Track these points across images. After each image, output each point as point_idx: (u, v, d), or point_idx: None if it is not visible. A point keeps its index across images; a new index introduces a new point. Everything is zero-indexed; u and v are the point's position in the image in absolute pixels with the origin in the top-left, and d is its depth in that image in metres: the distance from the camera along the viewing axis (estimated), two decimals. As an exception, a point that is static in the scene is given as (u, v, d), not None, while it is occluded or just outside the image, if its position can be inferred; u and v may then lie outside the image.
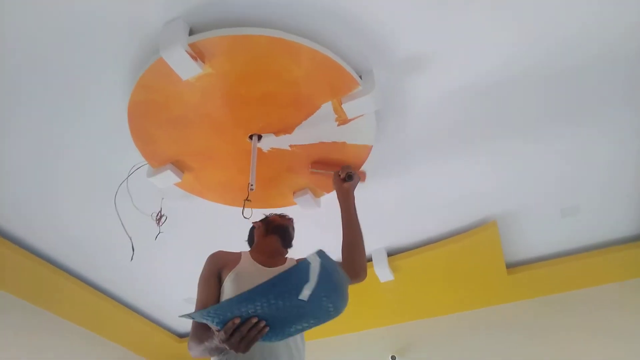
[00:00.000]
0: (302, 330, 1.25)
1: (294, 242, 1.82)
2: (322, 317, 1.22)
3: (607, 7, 1.61)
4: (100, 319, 3.29)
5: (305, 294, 1.12)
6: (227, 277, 1.51)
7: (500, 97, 1.96)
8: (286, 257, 1.74)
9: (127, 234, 2.10)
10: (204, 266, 1.59)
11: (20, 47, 1.65)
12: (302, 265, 1.11)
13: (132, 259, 2.11)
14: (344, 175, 1.85)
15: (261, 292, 1.11)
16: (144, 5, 1.55)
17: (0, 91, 1.81)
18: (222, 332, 1.14)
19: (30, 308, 2.95)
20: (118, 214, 2.10)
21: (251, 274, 1.52)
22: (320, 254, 1.12)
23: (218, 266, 1.56)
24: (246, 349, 1.16)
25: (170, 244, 2.48)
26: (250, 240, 1.90)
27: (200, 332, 1.37)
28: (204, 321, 1.18)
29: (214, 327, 1.18)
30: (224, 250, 1.66)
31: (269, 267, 1.61)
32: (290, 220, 1.88)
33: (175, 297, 3.27)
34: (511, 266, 3.03)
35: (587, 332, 2.83)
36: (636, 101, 1.99)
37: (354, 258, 1.64)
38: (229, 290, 1.48)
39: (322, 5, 1.57)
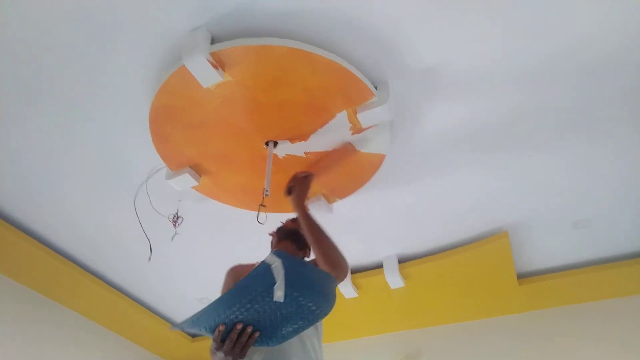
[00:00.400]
0: (296, 332, 1.24)
1: None
2: (308, 317, 1.20)
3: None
4: (113, 315, 3.35)
5: (278, 295, 1.11)
6: None
7: (513, 108, 1.98)
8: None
9: (146, 236, 2.16)
10: (223, 280, 1.65)
11: (50, 45, 1.72)
12: (261, 267, 1.12)
13: (149, 259, 2.16)
14: (285, 189, 1.92)
15: (231, 297, 1.12)
16: (170, 14, 1.62)
17: (26, 85, 1.88)
18: (212, 341, 1.17)
19: (42, 299, 3.01)
20: (137, 215, 2.16)
21: None
22: (278, 253, 1.13)
23: (234, 279, 1.61)
24: (242, 354, 1.18)
25: (184, 243, 2.53)
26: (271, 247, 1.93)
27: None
28: (195, 330, 1.20)
29: (208, 335, 1.20)
30: (242, 263, 1.70)
31: None
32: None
33: (190, 297, 3.33)
34: (522, 277, 3.03)
35: (598, 344, 2.81)
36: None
37: (320, 255, 1.60)
38: None
39: (340, 17, 1.61)
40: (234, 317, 1.15)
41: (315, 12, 1.60)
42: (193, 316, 1.16)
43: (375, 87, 1.83)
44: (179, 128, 1.93)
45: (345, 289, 2.98)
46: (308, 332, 1.49)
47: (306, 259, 1.81)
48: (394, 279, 2.91)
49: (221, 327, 1.15)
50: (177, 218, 2.32)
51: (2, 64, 1.78)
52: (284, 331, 1.22)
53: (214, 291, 3.30)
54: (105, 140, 2.14)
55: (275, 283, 1.11)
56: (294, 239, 1.80)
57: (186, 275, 3.12)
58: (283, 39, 1.61)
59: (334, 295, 1.25)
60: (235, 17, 1.61)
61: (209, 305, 1.13)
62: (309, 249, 1.81)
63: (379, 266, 2.98)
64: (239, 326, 1.15)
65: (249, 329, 1.16)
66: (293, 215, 2.05)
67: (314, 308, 1.17)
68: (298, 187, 1.88)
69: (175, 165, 2.13)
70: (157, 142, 2.01)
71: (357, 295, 3.08)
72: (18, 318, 2.84)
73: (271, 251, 1.14)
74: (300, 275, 1.16)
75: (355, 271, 3.05)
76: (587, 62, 1.80)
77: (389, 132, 1.97)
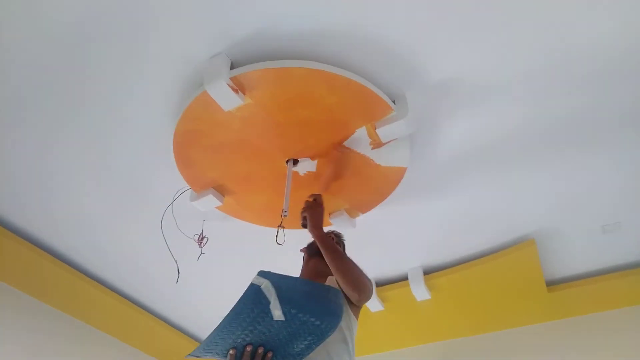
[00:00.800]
0: (309, 348, 1.22)
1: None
2: (315, 332, 1.19)
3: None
4: (132, 329, 3.38)
5: (277, 314, 1.12)
6: None
7: (537, 117, 1.97)
8: (328, 277, 1.78)
9: (173, 258, 2.19)
10: None
11: (75, 77, 1.79)
12: (250, 289, 1.13)
13: (177, 281, 2.20)
14: (302, 221, 1.84)
15: (229, 323, 1.14)
16: (190, 42, 1.67)
17: (56, 116, 1.94)
18: None
19: (60, 315, 3.03)
20: (165, 238, 2.20)
21: None
22: (263, 274, 1.14)
23: None
24: None
25: (207, 262, 2.56)
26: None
27: None
28: (209, 356, 1.21)
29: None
30: None
31: None
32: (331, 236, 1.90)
33: (211, 314, 3.34)
34: (551, 284, 2.97)
35: (630, 351, 2.74)
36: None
37: (342, 280, 1.57)
38: None
39: (356, 36, 1.64)
40: (242, 340, 1.17)
41: (330, 32, 1.62)
42: (203, 343, 1.18)
43: (394, 102, 1.85)
44: (202, 151, 1.97)
45: (371, 302, 2.97)
46: (337, 349, 1.48)
47: None
48: (419, 291, 2.89)
49: (232, 351, 1.17)
50: (202, 238, 2.36)
51: (32, 97, 1.85)
52: (297, 348, 1.22)
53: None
54: (130, 165, 2.19)
55: (269, 302, 1.12)
56: (321, 256, 1.80)
57: (206, 291, 3.13)
58: (300, 61, 1.64)
59: (339, 307, 1.24)
60: (253, 41, 1.65)
61: (213, 331, 1.16)
62: None
63: (404, 278, 2.96)
64: (249, 348, 1.16)
65: (260, 350, 1.17)
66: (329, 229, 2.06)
67: (317, 323, 1.17)
68: (311, 215, 1.82)
69: (199, 186, 2.17)
70: (181, 165, 2.05)
71: (383, 308, 3.06)
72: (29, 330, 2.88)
73: (258, 272, 1.15)
74: (294, 292, 1.17)
75: (380, 284, 3.04)
76: (623, 72, 1.79)
77: (409, 145, 1.98)
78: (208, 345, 1.19)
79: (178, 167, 2.06)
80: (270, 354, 1.19)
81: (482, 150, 2.14)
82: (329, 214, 2.33)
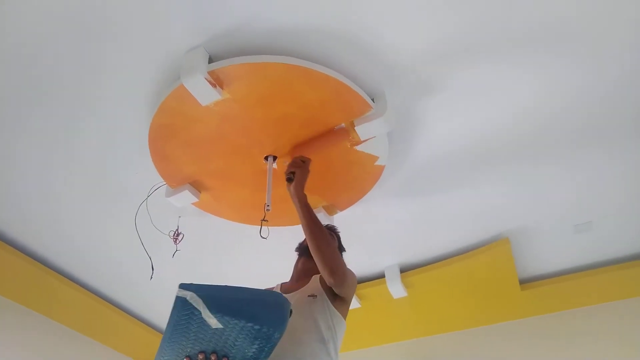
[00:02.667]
0: (262, 350, 1.21)
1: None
2: (260, 337, 1.18)
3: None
4: (108, 329, 3.32)
5: (213, 322, 1.14)
6: None
7: (513, 119, 2.00)
8: (313, 275, 1.76)
9: (147, 254, 2.16)
10: None
11: (47, 65, 1.73)
12: (177, 302, 1.15)
13: (151, 277, 2.16)
14: (286, 175, 1.75)
15: (171, 335, 1.17)
16: (168, 35, 1.63)
17: (25, 103, 1.88)
18: None
19: (38, 317, 2.95)
20: (139, 234, 2.17)
21: None
22: (184, 286, 1.16)
23: None
24: None
25: (184, 259, 2.53)
26: None
27: None
28: None
29: None
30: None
31: (289, 293, 1.65)
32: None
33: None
34: (525, 282, 3.03)
35: (602, 346, 2.81)
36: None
37: (316, 258, 1.56)
38: None
39: (336, 33, 1.63)
40: (191, 349, 1.18)
41: (310, 29, 1.61)
42: (156, 355, 1.20)
43: (373, 100, 1.85)
44: (178, 146, 1.93)
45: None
46: (313, 349, 1.47)
47: None
48: (396, 288, 2.91)
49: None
50: (178, 234, 2.32)
51: None
52: (250, 352, 1.21)
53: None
54: (103, 159, 2.14)
55: (200, 312, 1.14)
56: (309, 254, 1.75)
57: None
58: (280, 56, 1.63)
59: (281, 310, 1.23)
60: (232, 36, 1.63)
61: (161, 344, 1.18)
62: None
63: (381, 276, 2.98)
64: (201, 356, 1.17)
65: (214, 357, 1.17)
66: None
67: (257, 327, 1.17)
68: (299, 173, 1.73)
69: (175, 182, 2.13)
70: (156, 160, 2.01)
71: (360, 305, 3.07)
72: (11, 333, 2.81)
73: (179, 285, 1.17)
74: (222, 299, 1.18)
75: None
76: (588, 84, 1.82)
77: (387, 143, 1.99)
78: (162, 355, 1.21)
79: (154, 161, 2.03)
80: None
81: (459, 149, 2.16)
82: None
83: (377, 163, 2.07)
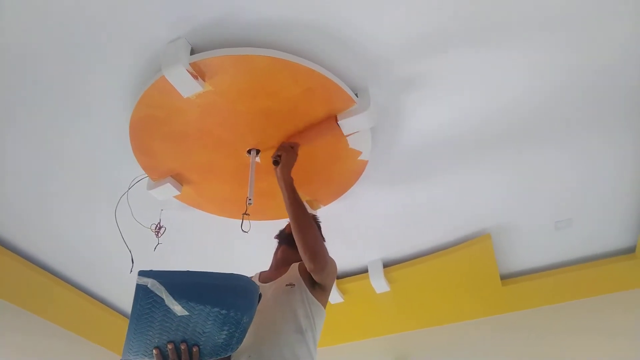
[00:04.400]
0: (232, 337, 1.21)
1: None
2: (229, 322, 1.18)
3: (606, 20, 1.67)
4: (100, 328, 3.29)
5: (177, 309, 1.12)
6: None
7: (494, 113, 2.01)
8: (293, 263, 1.75)
9: (127, 247, 2.13)
10: None
11: (27, 59, 1.70)
12: (138, 290, 1.12)
13: (131, 271, 2.13)
14: (273, 158, 1.78)
15: (136, 325, 1.13)
16: (149, 25, 1.61)
17: (5, 101, 1.85)
18: None
19: (28, 315, 2.92)
20: (118, 226, 2.14)
21: None
22: (144, 273, 1.13)
23: None
24: None
25: (168, 254, 2.51)
26: None
27: None
28: (137, 358, 1.19)
29: None
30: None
31: (268, 282, 1.65)
32: None
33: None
34: (506, 277, 3.06)
35: (580, 341, 2.86)
36: (630, 116, 2.04)
37: (298, 241, 1.57)
38: None
39: (319, 27, 1.62)
40: (159, 339, 1.15)
41: (294, 22, 1.60)
42: (124, 347, 1.16)
43: (356, 94, 1.84)
44: (160, 139, 1.91)
45: (332, 294, 2.98)
46: (290, 339, 1.45)
47: None
48: (379, 283, 2.92)
49: (155, 351, 1.16)
50: (160, 228, 2.30)
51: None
52: (219, 339, 1.20)
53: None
54: (86, 152, 2.11)
55: (163, 299, 1.11)
56: (288, 241, 1.79)
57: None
58: (263, 49, 1.61)
59: (249, 293, 1.22)
60: (215, 27, 1.61)
61: (126, 335, 1.14)
62: None
63: (364, 271, 2.99)
64: (170, 346, 1.15)
65: (184, 346, 1.16)
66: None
67: (224, 312, 1.16)
68: (285, 156, 1.75)
69: (157, 175, 2.11)
70: (137, 153, 1.99)
71: (343, 300, 3.08)
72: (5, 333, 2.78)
73: (138, 272, 1.14)
74: (185, 285, 1.15)
75: (340, 277, 3.06)
76: (572, 76, 1.84)
77: (370, 138, 1.98)
78: (129, 348, 1.17)
79: (135, 154, 2.00)
80: (195, 349, 1.17)
81: (442, 145, 2.17)
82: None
83: (360, 158, 2.07)
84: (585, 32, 1.68)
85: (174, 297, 1.11)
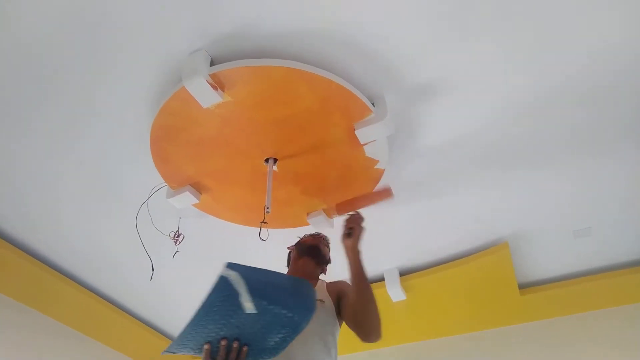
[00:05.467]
0: (285, 341, 1.20)
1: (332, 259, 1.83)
2: (289, 325, 1.17)
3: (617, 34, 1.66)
4: (107, 328, 3.31)
5: (248, 306, 1.12)
6: None
7: (513, 123, 2.01)
8: (319, 279, 1.74)
9: (147, 255, 2.17)
10: None
11: (50, 68, 1.75)
12: (219, 281, 1.12)
13: (151, 278, 2.17)
14: (345, 231, 1.69)
15: (202, 317, 1.13)
16: (170, 37, 1.65)
17: (27, 105, 1.90)
18: None
19: (36, 314, 2.95)
20: (139, 234, 2.18)
21: None
22: (231, 265, 1.13)
23: None
24: None
25: (182, 259, 2.54)
26: (288, 263, 1.90)
27: None
28: (183, 352, 1.19)
29: (198, 354, 1.19)
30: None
31: None
32: (321, 237, 1.87)
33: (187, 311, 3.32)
34: (524, 287, 3.03)
35: (600, 353, 2.81)
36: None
37: (362, 319, 1.50)
38: None
39: (336, 38, 1.65)
40: (215, 335, 1.15)
41: (311, 33, 1.63)
42: (177, 338, 1.16)
43: (373, 104, 1.86)
44: (180, 147, 1.95)
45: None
46: (320, 356, 1.45)
47: (322, 275, 1.77)
48: (395, 291, 2.91)
49: (206, 346, 1.15)
50: (179, 235, 2.33)
51: (2, 91, 1.81)
52: (272, 342, 1.20)
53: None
54: (104, 160, 2.16)
55: (239, 294, 1.11)
56: (313, 254, 1.76)
57: (183, 290, 3.10)
58: (281, 60, 1.64)
59: (311, 299, 1.23)
60: (234, 39, 1.64)
61: (185, 326, 1.14)
62: (326, 265, 1.79)
63: (380, 279, 2.98)
64: (224, 342, 1.15)
65: (236, 345, 1.15)
66: (307, 230, 2.04)
67: (290, 315, 1.16)
68: (358, 229, 1.68)
69: (176, 183, 2.15)
70: (157, 161, 2.03)
71: (359, 308, 3.07)
72: (7, 330, 2.82)
73: (226, 264, 1.14)
74: (264, 284, 1.16)
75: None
76: (589, 87, 1.84)
77: (387, 147, 1.99)
78: (182, 340, 1.17)
79: (155, 163, 2.04)
80: (245, 348, 1.17)
81: (459, 154, 2.16)
82: (307, 213, 2.33)
83: (377, 167, 2.08)
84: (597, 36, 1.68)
85: (250, 294, 1.12)
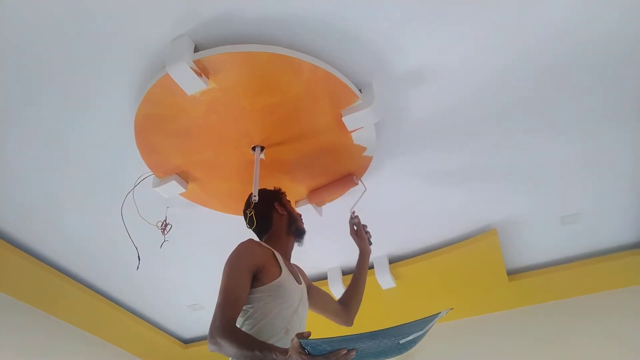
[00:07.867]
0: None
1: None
2: (392, 353, 1.23)
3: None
4: (105, 324, 3.32)
5: (409, 338, 1.17)
6: (270, 284, 1.47)
7: (500, 107, 2.00)
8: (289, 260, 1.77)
9: (133, 244, 2.14)
10: (240, 254, 1.49)
11: (33, 58, 1.71)
12: (432, 318, 1.17)
13: (137, 268, 2.15)
14: (368, 236, 2.06)
15: (390, 333, 1.12)
16: (153, 23, 1.61)
17: (12, 99, 1.86)
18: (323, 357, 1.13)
19: (33, 311, 2.97)
20: (125, 224, 2.15)
21: (291, 291, 1.53)
22: (446, 311, 1.22)
23: (256, 263, 1.48)
24: None
25: (174, 251, 2.52)
26: (264, 219, 1.78)
27: (243, 334, 1.30)
28: (309, 347, 1.15)
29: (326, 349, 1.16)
30: (255, 240, 1.61)
31: (298, 282, 1.63)
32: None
33: (181, 304, 3.32)
34: (512, 273, 3.05)
35: (588, 337, 2.85)
36: (632, 112, 2.03)
37: (353, 309, 1.94)
38: (270, 299, 1.45)
39: (323, 23, 1.62)
40: (361, 346, 1.14)
41: (297, 19, 1.60)
42: (334, 340, 1.13)
43: (360, 90, 1.84)
44: (165, 136, 1.92)
45: (337, 290, 2.98)
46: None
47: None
48: (385, 279, 2.92)
49: (343, 352, 1.13)
50: (166, 225, 2.30)
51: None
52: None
53: (205, 297, 3.28)
54: (92, 151, 2.12)
55: (421, 330, 1.18)
56: (300, 240, 1.84)
57: (177, 282, 3.10)
58: (266, 45, 1.62)
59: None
60: (218, 24, 1.61)
61: (361, 335, 1.11)
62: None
63: (370, 267, 2.97)
64: (344, 352, 1.13)
65: (352, 354, 1.14)
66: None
67: (404, 350, 1.24)
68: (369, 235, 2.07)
69: (163, 172, 2.12)
70: (143, 150, 2.00)
71: (349, 296, 3.08)
72: (11, 330, 2.82)
73: (446, 310, 1.24)
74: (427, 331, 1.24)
75: (346, 273, 3.05)
76: (577, 71, 1.84)
77: (374, 134, 1.98)
78: (339, 342, 1.13)
79: (140, 152, 2.01)
80: (353, 353, 1.15)
81: (447, 140, 2.16)
82: (296, 201, 2.32)
83: (364, 154, 2.07)
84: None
85: (423, 335, 1.22)
